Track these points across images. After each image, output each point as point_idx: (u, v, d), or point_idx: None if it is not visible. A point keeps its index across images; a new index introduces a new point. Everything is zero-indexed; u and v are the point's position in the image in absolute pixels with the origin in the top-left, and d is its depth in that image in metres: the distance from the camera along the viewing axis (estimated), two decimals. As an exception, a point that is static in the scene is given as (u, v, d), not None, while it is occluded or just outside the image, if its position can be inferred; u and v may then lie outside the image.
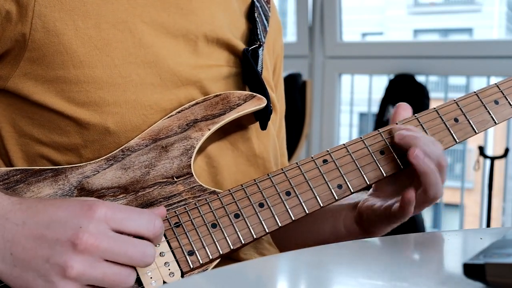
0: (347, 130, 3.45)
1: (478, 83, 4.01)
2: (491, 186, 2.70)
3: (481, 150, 2.80)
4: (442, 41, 4.24)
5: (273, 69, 1.09)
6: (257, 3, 1.01)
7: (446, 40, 5.58)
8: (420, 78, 2.94)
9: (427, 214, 6.04)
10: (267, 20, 1.03)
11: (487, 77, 2.98)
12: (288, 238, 1.05)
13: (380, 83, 3.12)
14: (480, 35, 10.03)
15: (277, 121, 1.06)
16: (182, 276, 0.80)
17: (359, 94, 3.39)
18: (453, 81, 3.64)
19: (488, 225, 2.69)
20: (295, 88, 2.98)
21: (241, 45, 0.94)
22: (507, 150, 2.74)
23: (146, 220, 0.74)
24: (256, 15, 0.99)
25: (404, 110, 0.92)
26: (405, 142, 0.86)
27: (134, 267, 0.74)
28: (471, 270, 0.58)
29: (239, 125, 0.93)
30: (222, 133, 0.91)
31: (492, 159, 2.73)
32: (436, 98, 3.35)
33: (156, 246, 0.78)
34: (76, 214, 0.71)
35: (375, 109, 3.10)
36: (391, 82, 2.97)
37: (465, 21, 10.09)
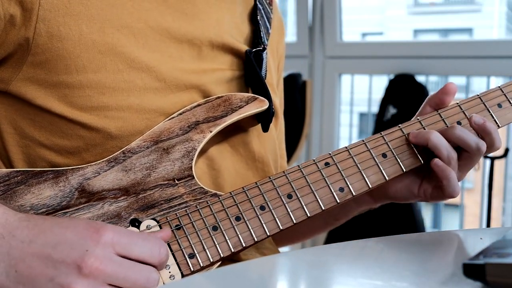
0: (347, 130, 3.45)
1: (478, 83, 4.01)
2: (491, 186, 2.69)
3: (481, 150, 2.79)
4: (442, 41, 4.24)
5: (276, 71, 1.09)
6: (259, 6, 1.00)
7: (446, 40, 5.57)
8: (420, 78, 2.93)
9: (427, 214, 6.03)
10: (269, 22, 1.03)
11: (487, 77, 2.98)
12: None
13: (380, 83, 3.12)
14: (480, 35, 10.01)
15: (278, 125, 1.06)
16: (183, 278, 0.80)
17: (359, 94, 3.39)
18: (453, 81, 3.64)
19: (488, 225, 2.69)
20: (295, 88, 2.98)
21: (245, 48, 0.94)
22: (507, 150, 2.74)
23: (151, 246, 0.75)
24: (258, 18, 0.98)
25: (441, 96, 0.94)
26: (419, 139, 0.89)
27: None
28: (471, 270, 0.58)
29: (240, 128, 0.93)
30: (223, 136, 0.91)
31: (492, 159, 2.73)
32: (436, 98, 3.34)
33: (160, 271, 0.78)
34: (83, 237, 0.72)
35: (375, 109, 3.10)
36: (391, 82, 2.97)
37: (465, 21, 10.07)
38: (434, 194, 0.93)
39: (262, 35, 0.97)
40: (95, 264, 0.70)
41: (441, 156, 0.88)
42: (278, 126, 1.07)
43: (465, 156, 0.90)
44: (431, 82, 3.32)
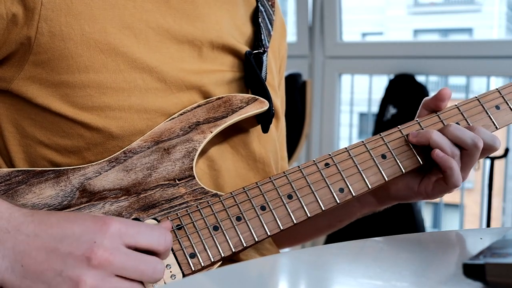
0: (347, 130, 3.45)
1: (478, 83, 4.01)
2: (491, 186, 2.69)
3: (481, 150, 2.79)
4: (442, 41, 4.24)
5: (278, 72, 1.09)
6: (261, 8, 1.01)
7: (446, 40, 5.57)
8: (420, 78, 2.93)
9: (427, 214, 6.03)
10: (271, 24, 1.03)
11: (487, 77, 2.98)
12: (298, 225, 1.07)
13: (380, 83, 3.12)
14: (480, 35, 10.01)
15: (279, 126, 1.06)
16: (184, 278, 0.80)
17: (359, 94, 3.39)
18: (453, 81, 3.64)
19: (488, 225, 2.69)
20: (295, 88, 2.98)
21: (245, 50, 0.94)
22: (507, 150, 2.74)
23: (157, 235, 0.75)
24: (260, 20, 0.99)
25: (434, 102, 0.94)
26: (420, 138, 0.89)
27: (142, 283, 0.74)
28: (471, 270, 0.58)
29: (240, 129, 0.93)
30: (223, 136, 0.91)
31: (492, 159, 2.73)
32: (436, 98, 3.33)
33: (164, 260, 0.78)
34: (91, 229, 0.72)
35: (375, 109, 3.10)
36: (391, 82, 2.97)
37: (465, 21, 10.07)
38: (436, 189, 0.94)
39: (263, 37, 0.97)
40: (104, 255, 0.70)
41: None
42: (279, 127, 1.07)
43: (464, 154, 0.90)
44: (431, 82, 3.32)
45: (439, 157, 0.88)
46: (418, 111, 0.96)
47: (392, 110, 2.93)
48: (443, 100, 0.92)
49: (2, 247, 0.70)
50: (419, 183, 0.95)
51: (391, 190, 0.97)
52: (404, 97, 2.88)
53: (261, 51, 0.95)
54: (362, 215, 1.06)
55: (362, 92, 3.44)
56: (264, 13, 1.01)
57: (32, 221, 0.72)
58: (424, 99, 0.95)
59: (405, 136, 0.91)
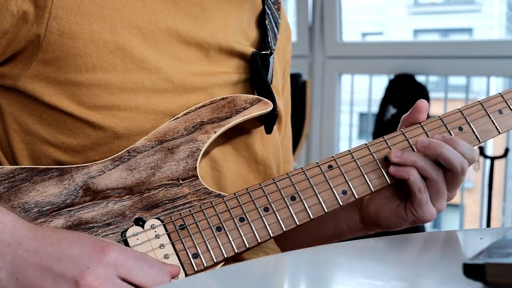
0: (347, 130, 3.45)
1: (478, 83, 4.02)
2: (491, 186, 2.70)
3: (481, 150, 2.81)
4: (442, 41, 4.24)
5: (282, 75, 1.10)
6: (268, 11, 1.01)
7: (446, 40, 5.57)
8: (420, 78, 2.94)
9: (426, 214, 6.01)
10: (277, 27, 1.03)
11: (487, 77, 2.99)
12: (290, 239, 1.06)
13: (380, 83, 3.13)
14: (480, 35, 10.02)
15: (282, 129, 1.06)
16: (186, 278, 0.80)
17: (359, 94, 3.40)
18: (453, 81, 3.64)
19: (488, 225, 2.70)
20: (295, 88, 2.98)
21: (251, 51, 0.94)
22: (507, 150, 2.75)
23: (154, 274, 0.74)
24: (267, 23, 0.99)
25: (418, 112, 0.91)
26: (404, 159, 0.87)
27: None
28: (471, 270, 0.58)
29: (243, 130, 0.93)
30: (226, 137, 0.91)
31: (492, 159, 2.73)
32: (436, 98, 3.35)
33: None
34: (88, 254, 0.71)
35: (375, 109, 3.11)
36: (391, 82, 2.97)
37: (465, 21, 10.08)
38: (416, 207, 0.89)
39: (269, 40, 0.97)
40: (94, 283, 0.70)
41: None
42: (283, 130, 1.07)
43: (449, 175, 0.88)
44: (431, 82, 3.33)
45: (396, 172, 0.87)
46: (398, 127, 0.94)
47: (392, 110, 2.93)
48: (420, 112, 0.90)
49: (1, 259, 0.71)
50: (404, 208, 0.91)
51: (381, 220, 0.94)
52: (404, 97, 2.88)
53: (268, 52, 0.95)
54: (352, 236, 1.03)
55: (362, 92, 3.45)
56: (270, 16, 1.01)
57: (34, 236, 0.73)
58: (402, 117, 0.93)
59: (408, 140, 0.90)
